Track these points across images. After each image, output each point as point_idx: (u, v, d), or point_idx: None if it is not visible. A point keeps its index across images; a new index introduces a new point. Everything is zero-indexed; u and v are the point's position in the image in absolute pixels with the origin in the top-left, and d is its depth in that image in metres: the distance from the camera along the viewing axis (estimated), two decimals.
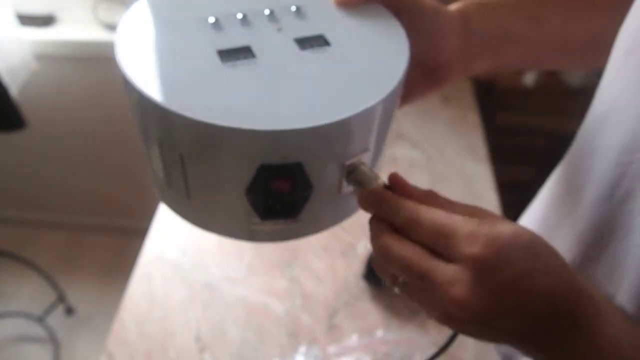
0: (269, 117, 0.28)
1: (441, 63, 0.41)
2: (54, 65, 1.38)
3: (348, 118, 0.29)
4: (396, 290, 0.32)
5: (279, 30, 0.34)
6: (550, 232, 0.47)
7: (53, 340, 1.56)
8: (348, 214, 0.36)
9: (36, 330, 1.58)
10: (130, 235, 1.34)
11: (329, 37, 0.34)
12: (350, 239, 0.83)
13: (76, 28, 1.33)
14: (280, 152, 0.29)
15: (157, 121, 0.30)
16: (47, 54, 1.34)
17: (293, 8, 0.36)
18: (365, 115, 0.30)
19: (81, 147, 1.58)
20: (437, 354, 0.37)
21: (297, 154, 0.29)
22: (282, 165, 0.29)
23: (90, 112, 1.46)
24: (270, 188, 0.30)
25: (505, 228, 0.28)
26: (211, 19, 0.34)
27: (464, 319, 0.28)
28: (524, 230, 0.29)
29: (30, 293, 1.66)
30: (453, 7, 0.41)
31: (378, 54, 0.34)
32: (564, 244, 0.43)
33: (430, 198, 0.32)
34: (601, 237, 0.38)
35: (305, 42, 0.34)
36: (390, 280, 0.32)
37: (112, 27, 1.30)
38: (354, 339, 0.70)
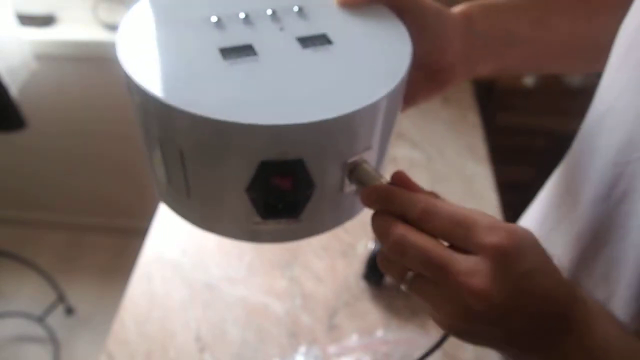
0: (269, 112, 0.28)
1: (444, 65, 0.40)
2: (54, 65, 1.38)
3: (349, 114, 0.28)
4: (403, 287, 0.31)
5: (281, 29, 0.34)
6: (549, 232, 0.47)
7: (53, 340, 1.56)
8: (350, 215, 0.36)
9: (36, 330, 1.58)
10: (130, 235, 1.34)
11: (332, 36, 0.34)
12: (350, 239, 0.83)
13: (76, 28, 1.33)
14: (280, 148, 0.28)
15: (157, 117, 0.30)
16: (47, 54, 1.34)
17: (295, 8, 0.36)
18: (367, 112, 0.30)
19: (81, 147, 1.58)
20: (432, 350, 0.37)
21: (298, 150, 0.29)
22: (283, 162, 0.29)
23: (90, 112, 1.46)
24: (271, 185, 0.30)
25: (516, 226, 0.28)
26: (213, 18, 0.34)
27: (478, 312, 0.27)
28: (529, 230, 0.29)
29: (30, 293, 1.66)
30: (456, 9, 0.41)
31: (380, 52, 0.34)
32: (562, 245, 0.43)
33: (434, 198, 0.32)
34: (598, 237, 0.38)
35: (307, 41, 0.33)
36: (397, 277, 0.31)
37: (112, 27, 1.30)
38: (354, 339, 0.70)
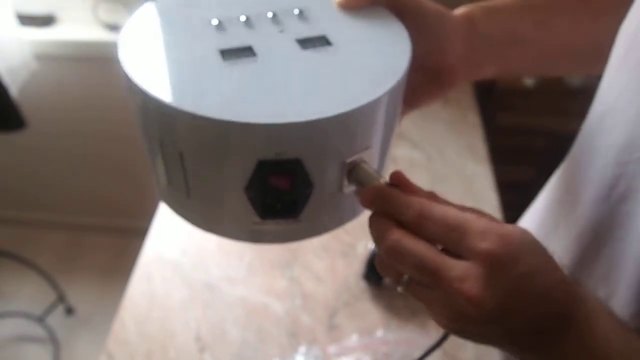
0: (266, 112, 0.28)
1: (446, 67, 0.41)
2: (54, 65, 1.38)
3: (346, 113, 0.29)
4: (399, 289, 0.31)
5: (281, 31, 0.35)
6: (549, 232, 0.47)
7: (53, 340, 1.56)
8: (350, 216, 0.36)
9: (36, 330, 1.58)
10: (130, 235, 1.34)
11: (331, 37, 0.34)
12: (350, 239, 0.83)
13: (76, 28, 1.33)
14: (278, 147, 0.29)
15: (155, 116, 0.30)
16: (47, 54, 1.34)
17: (296, 11, 0.36)
18: (364, 111, 0.30)
19: (81, 147, 1.58)
20: (432, 350, 0.37)
21: (295, 150, 0.29)
22: (280, 161, 0.29)
23: (90, 112, 1.46)
24: (269, 185, 0.30)
25: (513, 227, 0.28)
26: (214, 21, 0.35)
27: (472, 317, 0.28)
28: (527, 230, 0.29)
29: (30, 293, 1.66)
30: (458, 11, 0.41)
31: (379, 53, 0.34)
32: (563, 245, 0.43)
33: (432, 198, 0.32)
34: (599, 237, 0.38)
35: (307, 42, 0.34)
36: (393, 279, 0.31)
37: (112, 27, 1.30)
38: (354, 339, 0.70)
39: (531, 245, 0.28)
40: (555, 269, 0.29)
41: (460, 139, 1.03)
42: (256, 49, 0.33)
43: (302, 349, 0.69)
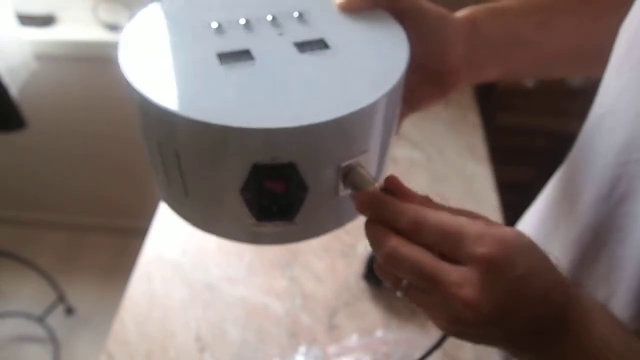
0: (261, 116, 0.28)
1: (447, 69, 0.40)
2: (54, 65, 1.38)
3: (340, 118, 0.28)
4: (398, 294, 0.31)
5: (280, 34, 0.35)
6: (549, 233, 0.47)
7: (53, 340, 1.56)
8: (348, 218, 0.36)
9: (36, 330, 1.58)
10: (130, 235, 1.34)
11: (329, 40, 0.34)
12: (350, 239, 0.83)
13: (76, 28, 1.33)
14: (272, 152, 0.29)
15: (153, 119, 0.31)
16: (47, 54, 1.34)
17: (296, 14, 0.36)
18: (360, 116, 0.29)
19: (81, 147, 1.58)
20: (432, 351, 0.37)
21: (289, 154, 0.29)
22: (275, 165, 0.29)
23: (90, 112, 1.46)
24: (265, 188, 0.30)
25: (508, 230, 0.28)
26: (214, 24, 0.35)
27: (470, 321, 0.28)
28: (521, 232, 0.29)
29: (30, 293, 1.66)
30: (460, 13, 0.41)
31: (377, 56, 0.34)
32: (563, 245, 0.43)
33: (426, 203, 0.32)
34: (598, 238, 0.38)
35: (304, 46, 0.34)
36: (392, 284, 0.32)
37: (112, 27, 1.30)
38: (354, 339, 0.70)
39: (527, 248, 0.28)
40: (552, 270, 0.29)
41: (460, 139, 1.03)
42: (254, 52, 0.33)
43: (302, 349, 0.69)
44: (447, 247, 0.28)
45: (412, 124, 1.06)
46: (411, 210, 0.29)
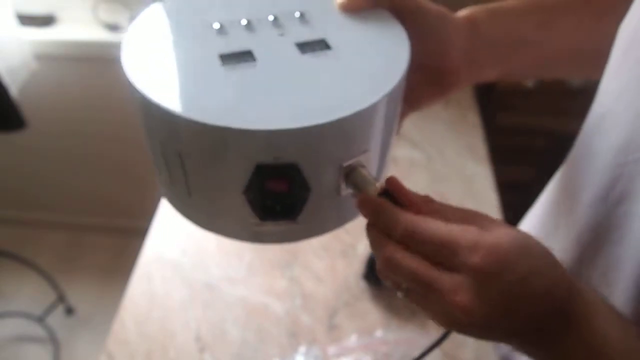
0: (263, 117, 0.28)
1: (448, 68, 0.40)
2: (54, 65, 1.38)
3: (342, 119, 0.29)
4: (399, 294, 0.32)
5: (282, 35, 0.35)
6: (549, 233, 0.47)
7: (53, 340, 1.56)
8: (350, 217, 0.36)
9: (36, 330, 1.58)
10: (130, 235, 1.34)
11: (331, 41, 0.34)
12: (350, 239, 0.83)
13: (76, 28, 1.33)
14: (274, 152, 0.29)
15: (156, 121, 0.31)
16: (47, 54, 1.34)
17: (297, 14, 0.36)
18: (361, 116, 0.30)
19: (81, 147, 1.58)
20: (431, 349, 0.37)
21: (291, 155, 0.29)
22: (277, 166, 0.29)
23: (90, 112, 1.46)
24: (267, 188, 0.31)
25: (502, 234, 0.28)
26: (216, 25, 0.35)
27: (467, 323, 0.29)
28: (518, 232, 0.29)
29: (30, 293, 1.66)
30: (461, 13, 0.41)
31: (378, 57, 0.34)
32: (562, 246, 0.43)
33: (427, 203, 0.32)
34: (597, 238, 0.38)
35: (306, 46, 0.34)
36: (393, 285, 0.32)
37: (112, 27, 1.30)
38: (354, 339, 0.70)
39: (523, 249, 0.29)
40: (553, 266, 0.29)
41: (460, 139, 1.03)
42: (256, 53, 0.33)
43: (302, 349, 0.69)
44: (441, 257, 0.29)
45: (412, 124, 1.06)
46: (403, 222, 0.30)
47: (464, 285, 0.28)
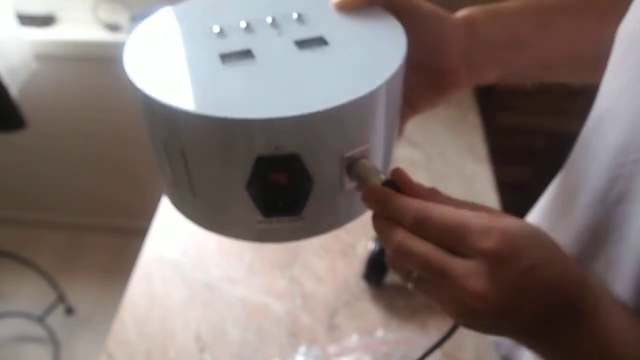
0: (262, 108, 0.29)
1: (446, 68, 0.40)
2: (54, 65, 1.38)
3: (339, 106, 0.29)
4: (409, 286, 0.31)
5: (280, 34, 0.35)
6: (549, 232, 0.47)
7: (53, 340, 1.56)
8: (355, 214, 0.36)
9: (36, 330, 1.58)
10: (130, 235, 1.34)
11: (328, 37, 0.35)
12: (350, 239, 0.83)
13: (76, 28, 1.33)
14: (275, 142, 0.29)
15: (157, 117, 0.31)
16: (47, 54, 1.34)
17: (295, 15, 0.37)
18: (358, 104, 0.30)
19: (81, 147, 1.58)
20: (435, 347, 0.37)
21: (292, 144, 0.29)
22: (278, 157, 0.29)
23: (90, 112, 1.46)
24: (270, 181, 0.31)
25: (513, 222, 0.28)
26: (216, 28, 0.36)
27: (481, 312, 0.28)
28: (529, 223, 0.29)
29: (30, 293, 1.66)
30: (459, 14, 0.41)
31: (375, 50, 0.34)
32: (561, 246, 0.43)
33: (433, 195, 0.32)
34: (596, 238, 0.38)
35: (304, 43, 0.34)
36: (403, 277, 0.32)
37: (112, 27, 1.30)
38: (354, 339, 0.70)
39: (534, 239, 0.28)
40: (562, 259, 0.29)
41: (460, 139, 1.03)
42: (255, 51, 0.33)
43: (302, 349, 0.69)
44: (453, 242, 0.28)
45: (412, 124, 1.05)
46: (414, 207, 0.30)
47: (477, 271, 0.27)
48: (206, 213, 0.35)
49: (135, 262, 0.80)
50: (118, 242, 1.76)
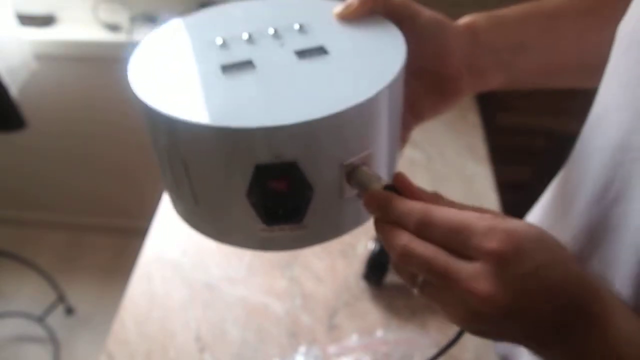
0: (260, 116, 0.29)
1: (448, 75, 0.40)
2: (54, 65, 1.38)
3: (336, 113, 0.29)
4: (415, 291, 0.31)
5: (281, 45, 0.36)
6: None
7: (53, 340, 1.56)
8: (358, 221, 0.36)
9: (36, 330, 1.58)
10: (130, 235, 1.34)
11: (329, 47, 0.35)
12: (350, 239, 0.83)
13: (76, 28, 1.33)
14: (273, 150, 0.29)
15: (157, 127, 0.32)
16: (47, 54, 1.34)
17: (296, 26, 0.37)
18: (356, 112, 0.30)
19: (81, 147, 1.58)
20: (441, 353, 0.37)
21: (291, 152, 0.29)
22: (277, 165, 0.30)
23: (90, 112, 1.46)
24: (269, 189, 0.31)
25: (517, 223, 0.28)
26: (219, 40, 0.36)
27: (487, 314, 0.28)
28: (534, 225, 0.29)
29: (30, 293, 1.66)
30: (462, 20, 0.41)
31: (374, 57, 0.34)
32: None
33: (436, 200, 0.32)
34: (594, 238, 0.38)
35: (304, 53, 0.35)
36: (408, 282, 0.32)
37: (112, 27, 1.30)
38: (354, 339, 0.70)
39: (539, 241, 0.28)
40: (568, 262, 0.29)
41: (460, 139, 1.03)
42: (256, 62, 0.34)
43: (302, 349, 0.69)
44: (457, 244, 0.28)
45: None
46: (417, 209, 0.29)
47: (482, 273, 0.27)
48: (209, 221, 0.35)
49: (135, 262, 0.80)
50: (118, 242, 1.76)
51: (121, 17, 1.29)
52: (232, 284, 0.77)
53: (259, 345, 0.70)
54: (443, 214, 0.29)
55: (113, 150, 1.55)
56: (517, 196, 0.90)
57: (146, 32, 1.23)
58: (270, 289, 0.76)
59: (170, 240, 0.83)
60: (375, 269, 0.74)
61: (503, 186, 0.95)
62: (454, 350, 0.68)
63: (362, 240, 0.82)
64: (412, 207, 0.30)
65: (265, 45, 0.36)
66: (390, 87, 0.32)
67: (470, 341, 0.69)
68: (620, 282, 0.35)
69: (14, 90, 1.21)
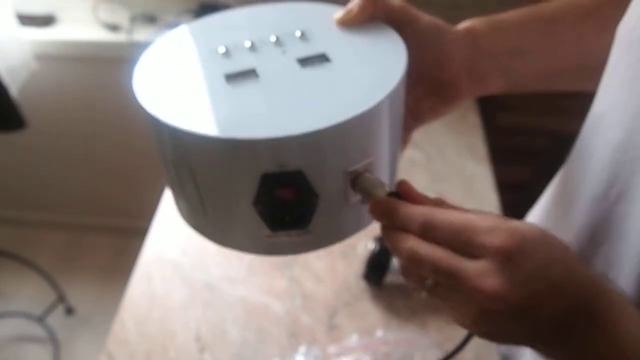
0: (266, 127, 0.29)
1: (448, 79, 0.41)
2: (54, 65, 1.38)
3: (340, 123, 0.29)
4: (423, 294, 0.31)
5: (283, 53, 0.36)
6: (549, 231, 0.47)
7: (53, 340, 1.56)
8: (362, 225, 0.37)
9: (36, 330, 1.58)
10: (130, 235, 1.34)
11: (330, 54, 0.35)
12: (350, 239, 0.82)
13: (76, 28, 1.33)
14: (278, 160, 0.29)
15: (164, 138, 0.32)
16: (47, 54, 1.34)
17: (298, 33, 0.37)
18: (360, 120, 0.30)
19: (81, 147, 1.58)
20: (448, 358, 0.37)
21: (296, 162, 0.30)
22: (283, 174, 0.30)
23: (90, 112, 1.46)
24: (275, 197, 0.31)
25: (521, 222, 0.28)
26: (222, 49, 0.36)
27: (495, 312, 0.28)
28: (535, 224, 0.29)
29: (30, 293, 1.66)
30: (461, 25, 0.41)
31: (375, 64, 0.34)
32: None
33: (439, 205, 0.32)
34: (595, 237, 0.38)
35: (306, 61, 0.35)
36: (417, 285, 0.32)
37: (112, 27, 1.30)
38: (354, 339, 0.70)
39: (541, 239, 0.28)
40: (572, 261, 0.29)
41: (460, 139, 1.03)
42: (259, 70, 0.34)
43: (302, 349, 0.69)
44: (461, 243, 0.28)
45: None
46: (420, 213, 0.30)
47: (488, 270, 0.27)
48: (217, 229, 0.36)
49: (135, 262, 0.80)
50: (118, 242, 1.76)
51: (121, 17, 1.29)
52: (232, 284, 0.77)
53: (259, 345, 0.70)
54: (446, 216, 0.29)
55: (113, 150, 1.55)
56: (517, 196, 0.90)
57: (146, 32, 1.23)
58: (270, 289, 0.76)
59: (170, 240, 0.83)
60: (375, 269, 0.74)
61: (503, 186, 0.95)
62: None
63: (362, 240, 0.82)
64: (415, 211, 0.30)
65: (267, 53, 0.36)
66: (392, 94, 0.32)
67: (471, 341, 0.68)
68: (622, 280, 0.35)
69: (14, 90, 1.21)
